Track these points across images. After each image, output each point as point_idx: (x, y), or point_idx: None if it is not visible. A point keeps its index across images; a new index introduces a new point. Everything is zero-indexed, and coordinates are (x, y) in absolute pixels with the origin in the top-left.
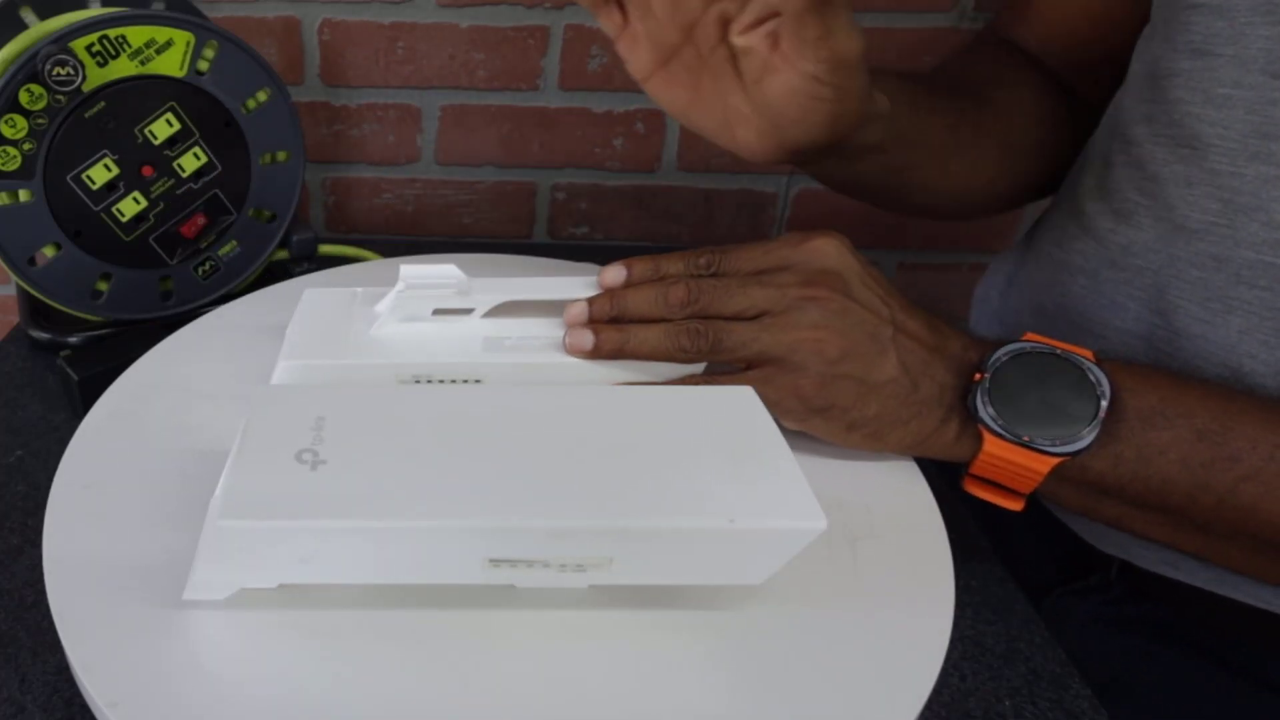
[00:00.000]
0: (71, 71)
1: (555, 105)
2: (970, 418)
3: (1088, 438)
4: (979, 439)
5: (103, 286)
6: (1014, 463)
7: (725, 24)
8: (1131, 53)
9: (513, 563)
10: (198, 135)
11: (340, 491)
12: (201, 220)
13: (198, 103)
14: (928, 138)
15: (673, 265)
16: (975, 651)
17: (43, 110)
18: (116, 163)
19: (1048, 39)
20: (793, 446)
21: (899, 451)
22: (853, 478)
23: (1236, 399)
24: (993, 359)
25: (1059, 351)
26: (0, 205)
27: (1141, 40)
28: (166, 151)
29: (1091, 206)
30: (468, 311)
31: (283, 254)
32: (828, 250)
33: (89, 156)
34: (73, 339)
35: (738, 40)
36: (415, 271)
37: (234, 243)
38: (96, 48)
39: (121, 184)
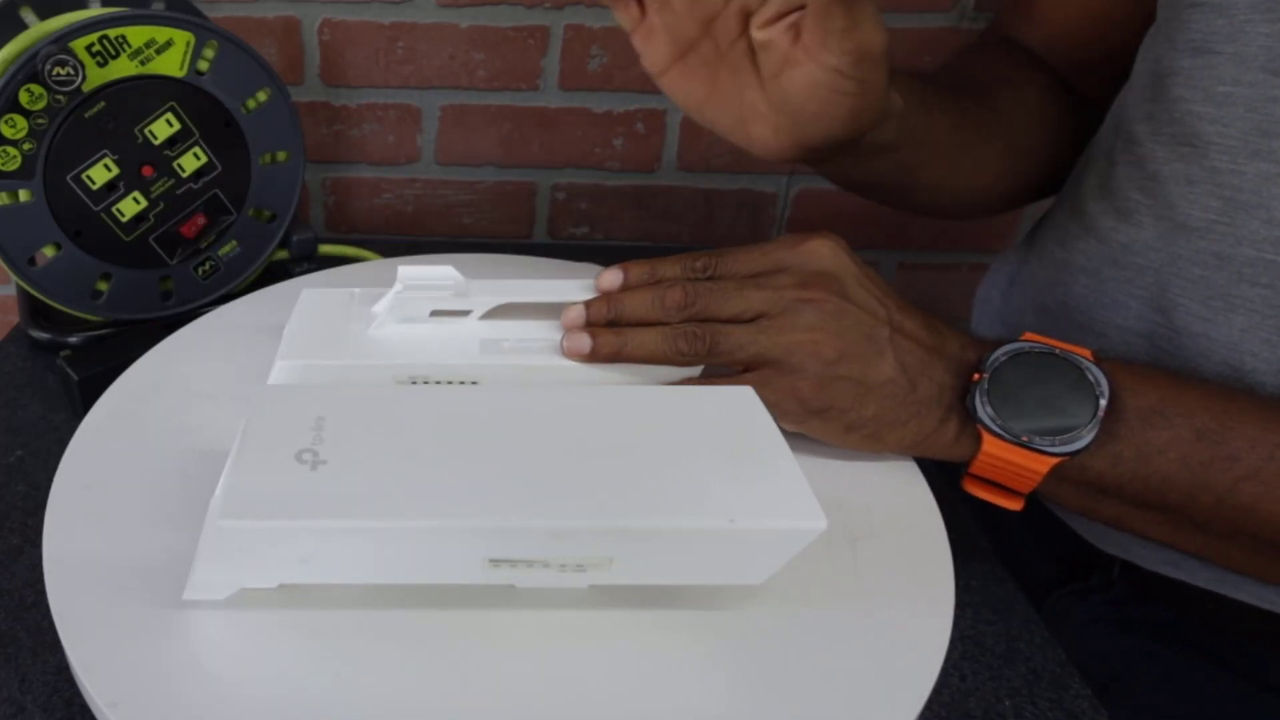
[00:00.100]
0: (71, 71)
1: (555, 105)
2: (969, 418)
3: (1087, 437)
4: (978, 439)
5: (103, 286)
6: (1013, 462)
7: (746, 17)
8: (1134, 52)
9: (513, 563)
10: (198, 135)
11: (340, 491)
12: (201, 220)
13: (198, 103)
14: (935, 136)
15: (669, 269)
16: (975, 651)
17: (43, 110)
18: (116, 163)
19: (1051, 38)
20: (793, 446)
21: (898, 452)
22: (853, 478)
23: (1236, 398)
24: (991, 359)
25: (1057, 351)
26: (0, 205)
27: (1146, 39)
28: (166, 151)
29: (1093, 206)
30: (465, 313)
31: (283, 254)
32: (824, 252)
33: (89, 156)
34: (73, 339)
35: (758, 34)
36: (413, 273)
37: (234, 243)
38: (96, 48)
39: (121, 184)
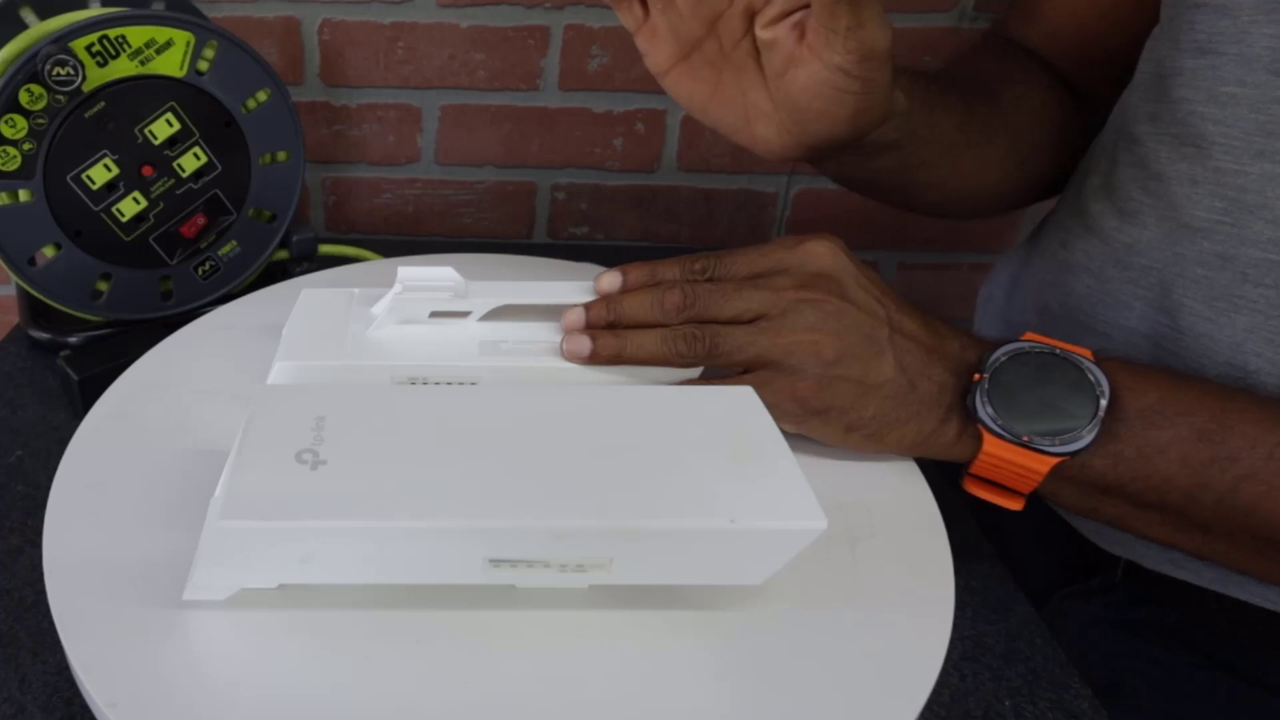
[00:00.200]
0: (71, 71)
1: (555, 105)
2: (969, 418)
3: (1087, 437)
4: (978, 439)
5: (103, 286)
6: (1014, 462)
7: (750, 17)
8: (1137, 52)
9: (513, 563)
10: (198, 135)
11: (340, 492)
12: (201, 220)
13: (198, 103)
14: (939, 136)
15: (669, 271)
16: (975, 651)
17: (43, 110)
18: (116, 163)
19: (1053, 38)
20: (793, 446)
21: (898, 452)
22: (853, 478)
23: (1236, 398)
24: (992, 358)
25: (1058, 351)
26: (0, 205)
27: (1149, 40)
28: (166, 151)
29: (1096, 206)
30: (465, 314)
31: (283, 254)
32: (822, 252)
33: (89, 156)
34: (73, 339)
35: (763, 33)
36: (413, 274)
37: (234, 243)
38: (96, 48)
39: (121, 184)
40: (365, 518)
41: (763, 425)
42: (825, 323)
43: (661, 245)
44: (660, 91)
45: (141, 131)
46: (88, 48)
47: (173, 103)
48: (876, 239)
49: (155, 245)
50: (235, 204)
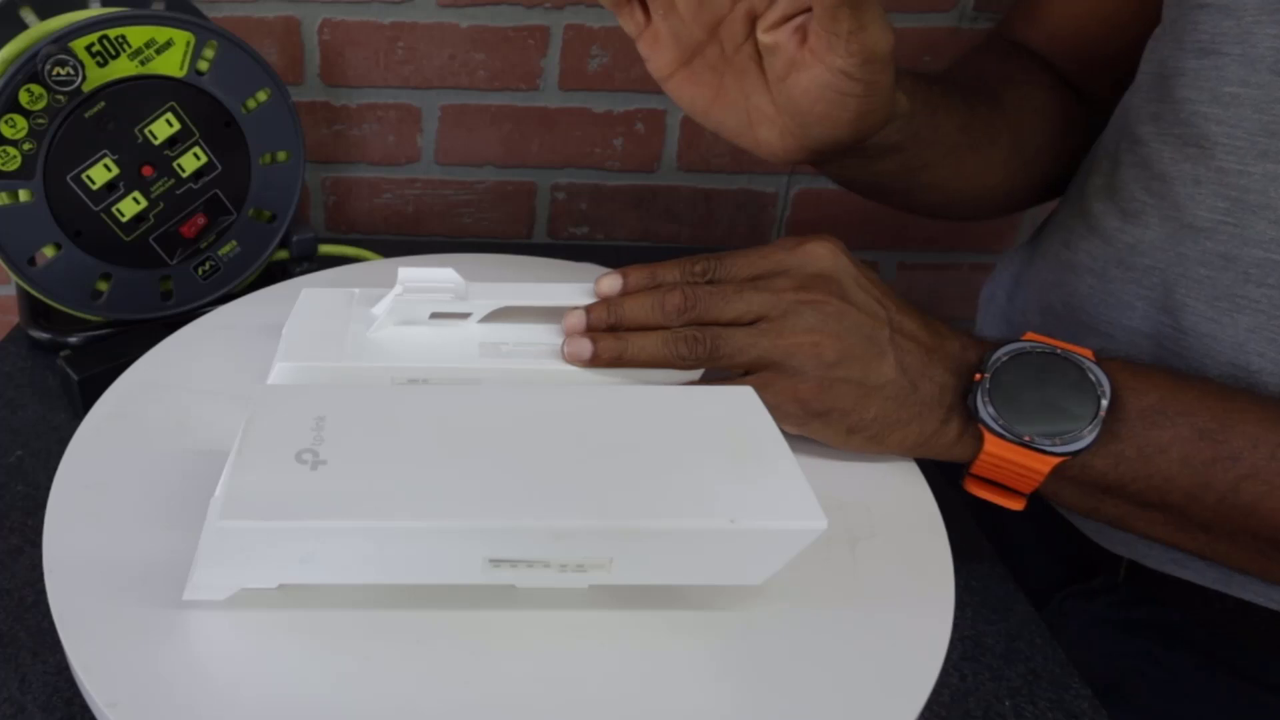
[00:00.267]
0: (71, 71)
1: (555, 105)
2: (971, 418)
3: (1088, 437)
4: (979, 439)
5: (103, 286)
6: (1015, 462)
7: (751, 21)
8: (1139, 53)
9: (513, 563)
10: (198, 135)
11: (341, 492)
12: (201, 220)
13: (198, 103)
14: (942, 137)
15: (669, 273)
16: (975, 651)
17: (43, 110)
18: (116, 163)
19: (1056, 39)
20: (793, 447)
21: (900, 453)
22: (853, 478)
23: (1237, 398)
24: (993, 359)
25: (1059, 351)
26: (0, 205)
27: (1151, 40)
28: (166, 151)
29: (1099, 206)
30: (465, 316)
31: (283, 254)
32: (822, 254)
33: (89, 156)
34: (73, 339)
35: (764, 37)
36: (413, 275)
37: (234, 243)
38: (96, 48)
39: (121, 184)
40: (365, 518)
41: (763, 425)
42: (826, 324)
43: (661, 245)
44: (660, 91)
45: (141, 131)
46: (88, 48)
47: (173, 103)
48: (876, 239)
49: (155, 245)
50: (235, 204)
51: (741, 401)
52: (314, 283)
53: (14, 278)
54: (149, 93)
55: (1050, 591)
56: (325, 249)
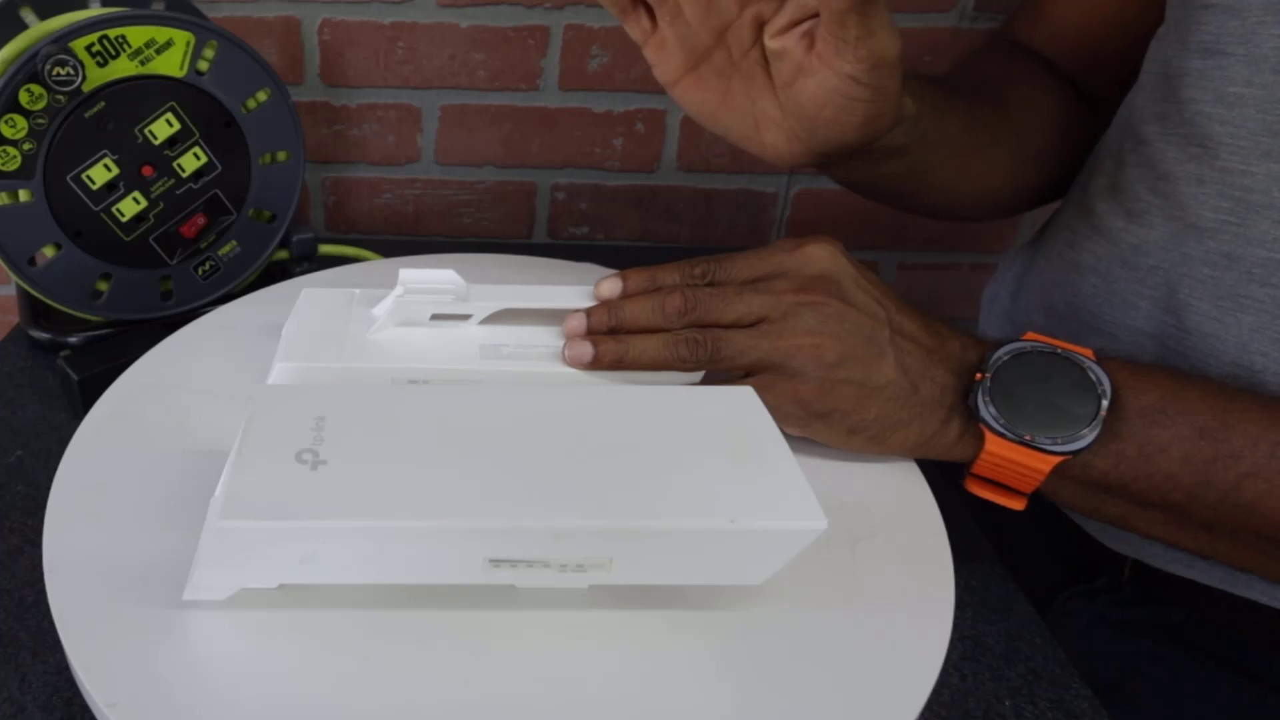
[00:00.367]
0: (71, 71)
1: (555, 105)
2: (972, 418)
3: (1089, 436)
4: (980, 439)
5: (103, 286)
6: (1016, 462)
7: (759, 26)
8: (1143, 53)
9: (513, 563)
10: (198, 135)
11: (341, 492)
12: (201, 220)
13: (198, 103)
14: (947, 139)
15: (668, 275)
16: (975, 651)
17: (43, 110)
18: (116, 163)
19: (1059, 40)
20: (793, 447)
21: (901, 454)
22: (853, 478)
23: (1237, 396)
24: (993, 358)
25: (1059, 350)
26: (0, 205)
27: (1155, 40)
28: (166, 151)
29: (1103, 206)
30: (466, 317)
31: (283, 254)
32: (822, 255)
33: (89, 156)
34: (73, 339)
35: (772, 43)
36: (414, 276)
37: (234, 243)
38: (96, 48)
39: (121, 184)
40: (365, 518)
41: (763, 425)
42: (826, 326)
43: (661, 245)
44: (660, 91)
45: (141, 131)
46: (88, 48)
47: (173, 103)
48: (876, 239)
49: (155, 245)
50: (235, 204)
51: (742, 402)
52: (314, 283)
53: (14, 278)
54: (149, 93)
55: (1054, 591)
56: (325, 249)
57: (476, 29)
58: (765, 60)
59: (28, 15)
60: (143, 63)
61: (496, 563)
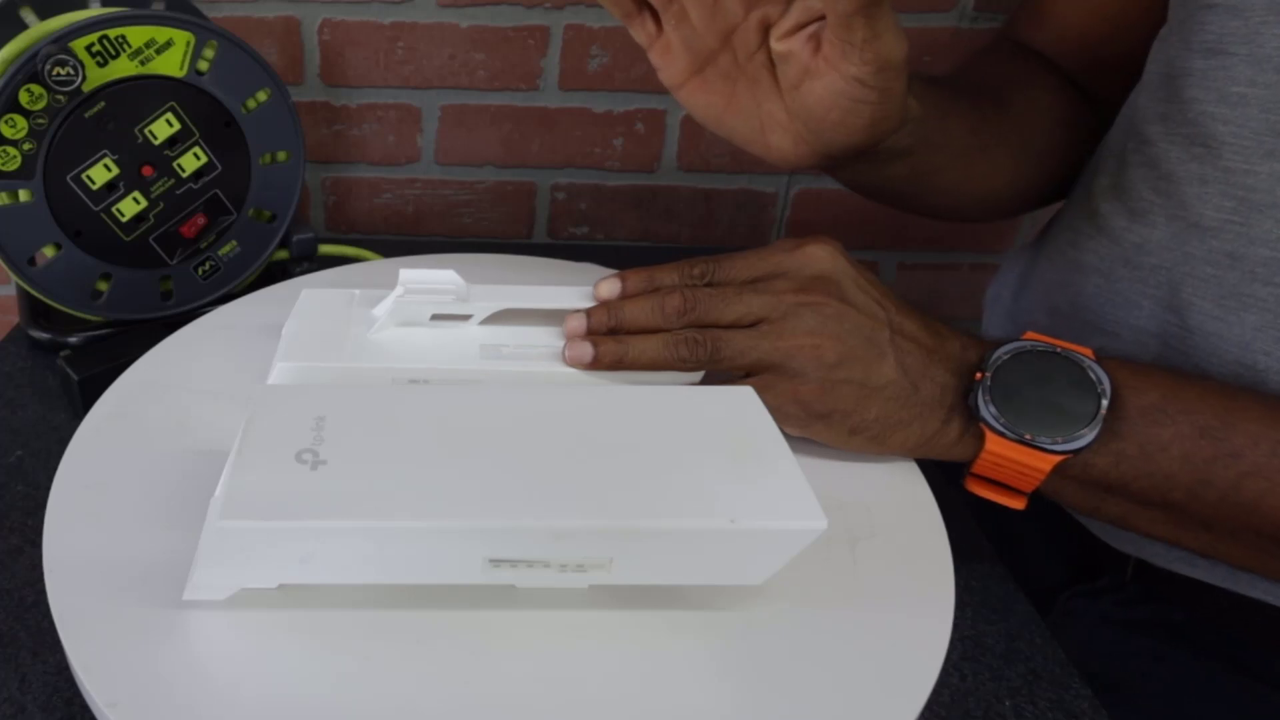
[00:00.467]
0: (71, 71)
1: (555, 105)
2: (972, 417)
3: (1089, 435)
4: (981, 438)
5: (103, 286)
6: (1016, 461)
7: (765, 29)
8: (1146, 54)
9: (513, 563)
10: (198, 135)
11: (341, 492)
12: (201, 220)
13: (198, 103)
14: (951, 141)
15: (667, 276)
16: (975, 651)
17: (43, 110)
18: (116, 163)
19: (1062, 41)
20: (793, 447)
21: (902, 453)
22: (853, 478)
23: (1238, 395)
24: (993, 358)
25: (1059, 350)
26: (0, 205)
27: (1157, 41)
28: (166, 151)
29: (1106, 206)
30: (466, 318)
31: (283, 254)
32: (821, 256)
33: (89, 156)
34: (73, 339)
35: (778, 45)
36: (415, 276)
37: (234, 243)
38: (96, 48)
39: (121, 184)
40: (365, 518)
41: (763, 425)
42: (826, 326)
43: (661, 245)
44: (660, 91)
45: (141, 131)
46: (88, 48)
47: (173, 103)
48: (876, 239)
49: (155, 245)
50: (235, 204)
51: (742, 402)
52: (314, 283)
53: (14, 278)
54: (149, 93)
55: (1056, 591)
56: (325, 249)
57: (476, 29)
58: (771, 63)
59: (28, 15)
60: (143, 63)
61: (496, 563)
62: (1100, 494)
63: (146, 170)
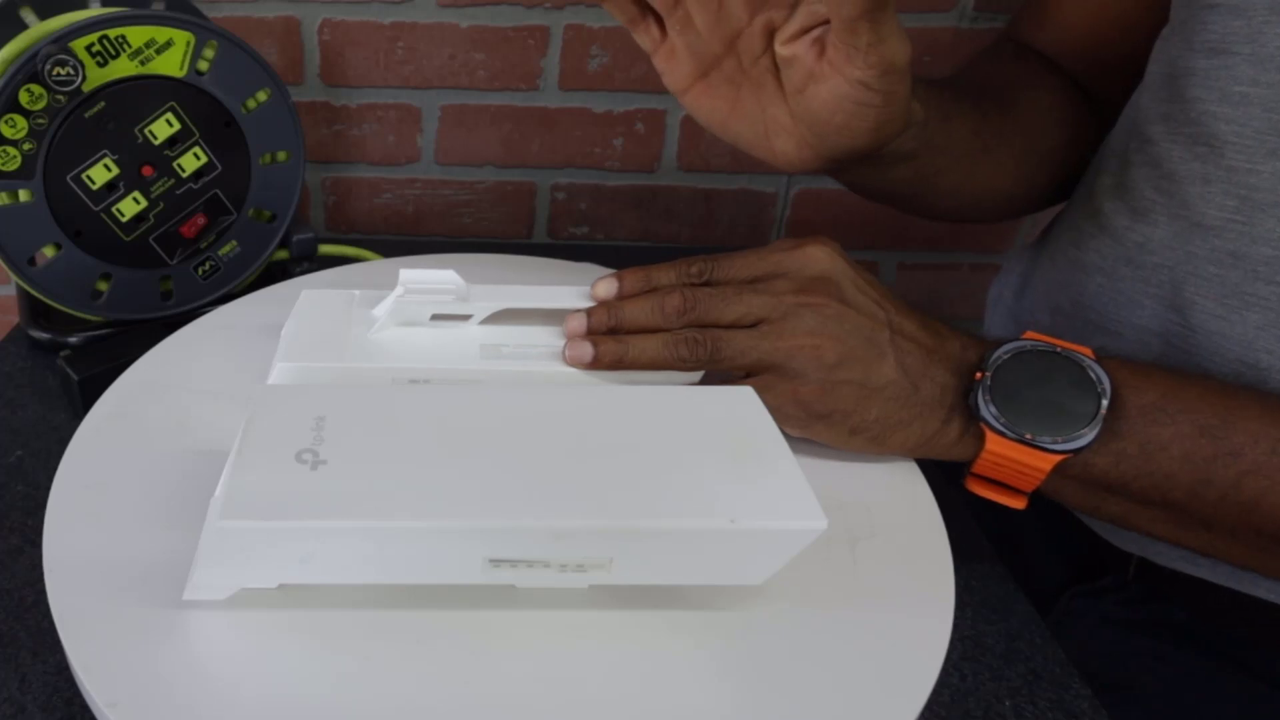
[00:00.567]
0: (71, 71)
1: (555, 105)
2: (972, 417)
3: (1089, 435)
4: (981, 438)
5: (103, 286)
6: (1017, 461)
7: (769, 34)
8: (1148, 54)
9: (513, 563)
10: (198, 135)
11: (341, 492)
12: (201, 220)
13: (198, 103)
14: (954, 143)
15: (664, 275)
16: (975, 651)
17: (43, 110)
18: (116, 163)
19: (1065, 42)
20: (793, 447)
21: (902, 454)
22: (853, 478)
23: (1237, 394)
24: (993, 357)
25: (1059, 349)
26: (0, 205)
27: (1160, 41)
28: (166, 151)
29: (1108, 205)
30: (466, 318)
31: (283, 254)
32: (820, 257)
33: (89, 156)
34: (73, 339)
35: (782, 50)
36: (415, 276)
37: (234, 243)
38: (96, 48)
39: (121, 184)
40: (365, 518)
41: (763, 425)
42: (826, 327)
43: (661, 245)
44: (661, 91)
45: (141, 131)
46: (88, 48)
47: (173, 103)
48: (876, 239)
49: (155, 245)
50: (235, 204)
51: (741, 402)
52: (314, 283)
53: (14, 278)
54: (149, 93)
55: (1058, 590)
56: (325, 249)
57: (476, 29)
58: (775, 67)
59: (28, 15)
60: (143, 63)
61: (496, 563)
62: (1100, 493)
63: (146, 170)
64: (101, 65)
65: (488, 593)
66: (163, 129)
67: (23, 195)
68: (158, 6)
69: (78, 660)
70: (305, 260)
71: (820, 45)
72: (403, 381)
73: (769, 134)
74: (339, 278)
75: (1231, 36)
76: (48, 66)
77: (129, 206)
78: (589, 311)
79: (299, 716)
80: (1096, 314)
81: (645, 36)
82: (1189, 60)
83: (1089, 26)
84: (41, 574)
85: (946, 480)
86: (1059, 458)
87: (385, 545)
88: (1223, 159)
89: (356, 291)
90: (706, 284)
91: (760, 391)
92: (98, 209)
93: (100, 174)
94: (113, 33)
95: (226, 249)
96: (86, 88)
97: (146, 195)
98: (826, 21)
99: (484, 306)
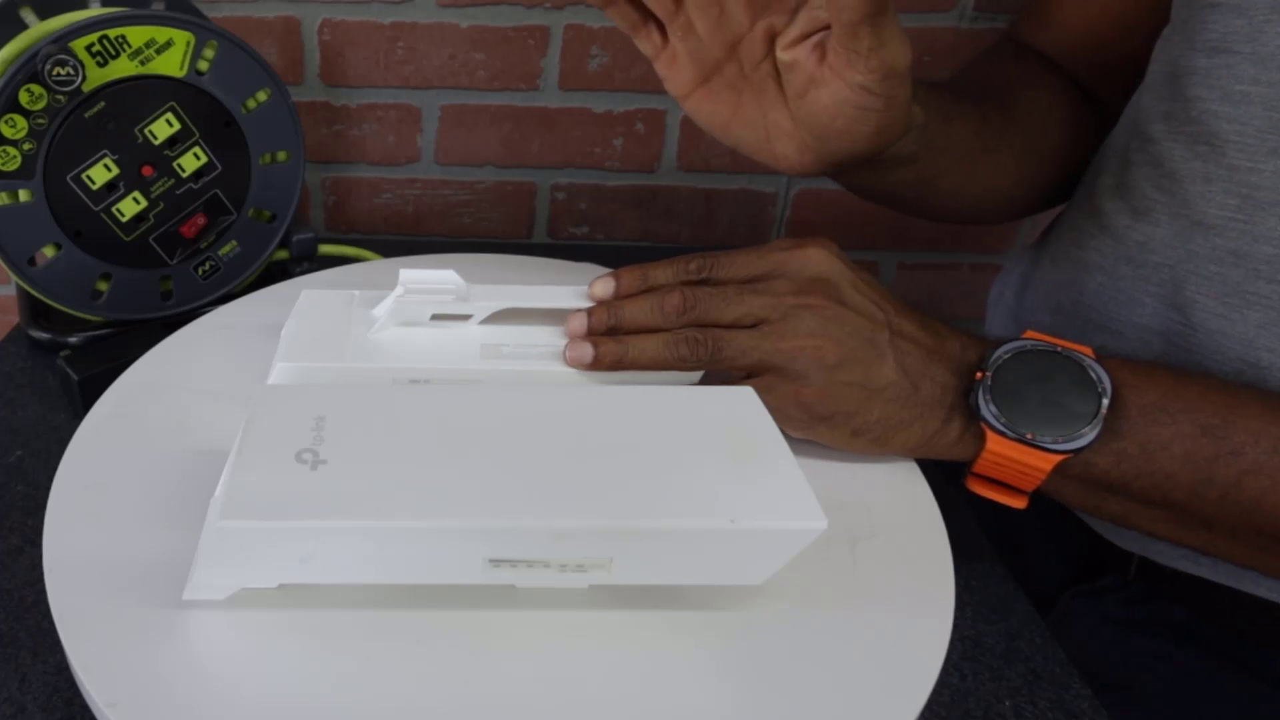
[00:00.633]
0: (71, 71)
1: (555, 105)
2: (973, 417)
3: (1090, 434)
4: (981, 438)
5: (103, 286)
6: (1017, 460)
7: (770, 39)
8: (1149, 54)
9: (513, 563)
10: (198, 135)
11: (341, 492)
12: (201, 220)
13: (198, 103)
14: (955, 145)
15: (662, 273)
16: (975, 651)
17: (43, 110)
18: (116, 163)
19: (1065, 42)
20: (793, 447)
21: (903, 454)
22: (853, 478)
23: (1238, 393)
24: (994, 357)
25: (1059, 349)
26: (0, 205)
27: (1161, 40)
28: (166, 151)
29: (1109, 204)
30: (466, 318)
31: (283, 254)
32: (819, 257)
33: (89, 156)
34: (73, 339)
35: (783, 55)
36: (415, 276)
37: (234, 243)
38: (96, 48)
39: (121, 184)
40: (365, 518)
41: (763, 425)
42: (826, 328)
43: (661, 245)
44: (660, 91)
45: (141, 131)
46: (88, 48)
47: (173, 103)
48: (876, 239)
49: (155, 245)
50: (235, 204)
51: (742, 402)
52: (314, 283)
53: (14, 278)
54: (149, 93)
55: (1059, 590)
56: (325, 249)
57: (476, 29)
58: (776, 72)
59: (28, 15)
60: (143, 63)
61: (496, 563)
62: (1101, 493)
63: (146, 170)
64: (101, 65)
65: (488, 593)
66: (163, 129)
67: (23, 195)
68: (158, 6)
69: (78, 660)
70: (305, 260)
71: (821, 50)
72: (403, 381)
73: (770, 138)
74: (339, 278)
75: (1233, 35)
76: (48, 66)
77: (129, 206)
78: (589, 311)
79: (299, 716)
80: (1097, 313)
81: (647, 42)
82: (1190, 59)
83: (1090, 27)
84: (41, 574)
85: (946, 480)
86: (1059, 457)
87: (385, 545)
88: (1224, 158)
89: (356, 291)
90: (704, 282)
91: (762, 392)
92: (98, 209)
93: (100, 174)
94: (113, 33)
95: (226, 249)
96: (86, 88)
97: (146, 195)
98: (827, 27)
99: (484, 306)
